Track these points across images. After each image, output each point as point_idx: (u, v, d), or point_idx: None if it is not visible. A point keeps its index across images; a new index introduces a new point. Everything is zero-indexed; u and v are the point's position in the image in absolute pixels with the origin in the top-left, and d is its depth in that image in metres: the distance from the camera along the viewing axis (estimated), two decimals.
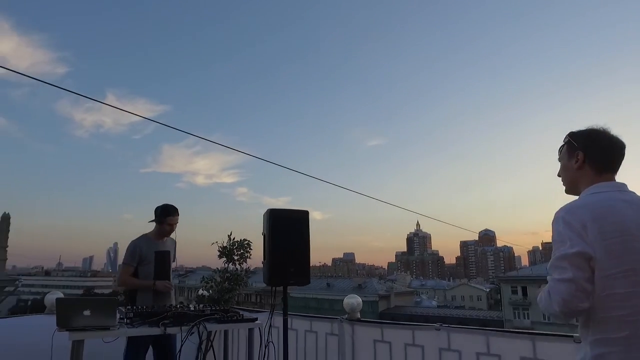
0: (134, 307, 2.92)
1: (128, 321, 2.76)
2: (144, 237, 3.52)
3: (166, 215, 3.45)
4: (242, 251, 4.64)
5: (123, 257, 3.41)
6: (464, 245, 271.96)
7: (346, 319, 3.54)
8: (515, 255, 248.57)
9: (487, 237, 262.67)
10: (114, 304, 2.58)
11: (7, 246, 26.43)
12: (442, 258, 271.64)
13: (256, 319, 3.17)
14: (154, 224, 3.53)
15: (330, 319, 3.69)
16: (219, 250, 4.67)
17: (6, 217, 26.61)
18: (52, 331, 3.47)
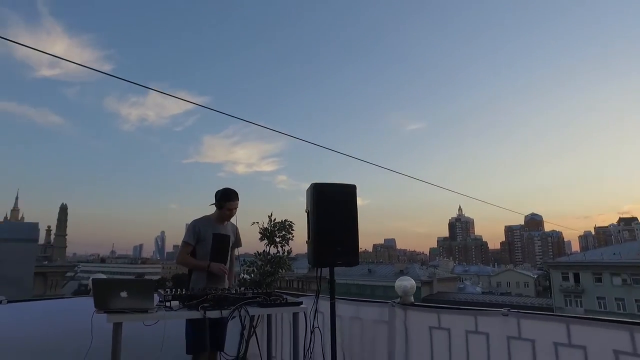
0: (173, 290, 2.76)
1: (167, 304, 2.61)
2: (204, 218, 3.40)
3: (225, 200, 3.30)
4: (284, 233, 4.43)
5: (184, 237, 3.30)
6: (509, 230, 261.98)
7: (398, 303, 3.23)
8: (565, 240, 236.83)
9: (533, 221, 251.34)
10: (150, 286, 2.42)
11: (67, 235, 28.14)
12: (486, 243, 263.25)
13: (301, 303, 2.93)
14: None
15: (380, 304, 3.39)
16: (260, 232, 4.47)
17: (64, 208, 28.28)
18: (91, 312, 3.49)
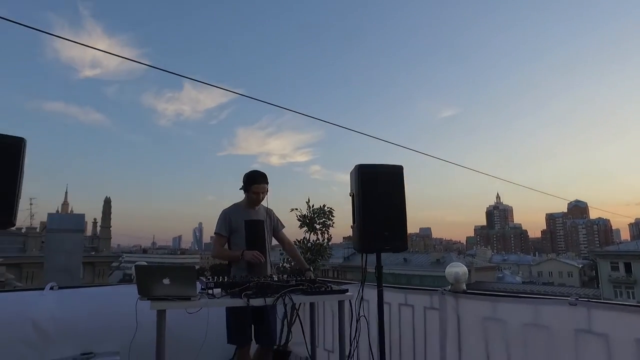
0: (215, 278, 2.68)
1: (210, 292, 2.54)
2: (234, 206, 3.27)
3: (251, 182, 3.14)
4: (323, 219, 4.29)
5: (215, 228, 3.18)
6: (551, 217, 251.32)
7: (449, 290, 3.02)
8: (613, 228, 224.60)
9: (577, 208, 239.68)
10: (192, 273, 2.34)
11: (111, 226, 29.30)
12: (526, 232, 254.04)
13: (347, 291, 2.79)
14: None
15: (430, 291, 3.19)
16: (299, 219, 4.36)
17: (108, 201, 29.43)
18: (135, 298, 3.50)
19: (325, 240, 4.42)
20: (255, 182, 3.14)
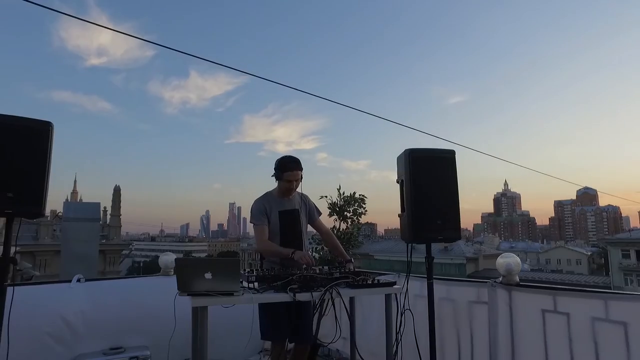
0: (256, 270, 2.50)
1: (251, 286, 2.36)
2: (267, 195, 3.02)
3: (283, 170, 2.87)
4: (354, 207, 4.09)
5: (250, 219, 2.94)
6: (559, 205, 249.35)
7: (500, 282, 2.82)
8: (623, 215, 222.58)
9: (587, 195, 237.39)
10: (236, 266, 2.16)
11: (121, 215, 29.39)
12: (534, 219, 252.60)
13: (394, 283, 2.60)
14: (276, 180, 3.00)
15: (477, 284, 2.99)
16: (329, 207, 4.17)
17: (117, 189, 29.49)
18: (167, 292, 3.33)
19: (356, 229, 4.23)
20: (287, 168, 2.88)
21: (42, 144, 2.24)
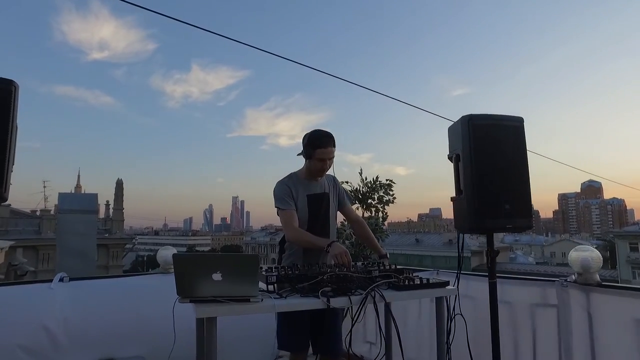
0: (278, 269, 1.98)
1: (272, 288, 1.85)
2: (291, 177, 2.49)
3: (315, 146, 2.33)
4: (380, 194, 3.57)
5: (275, 203, 2.42)
6: (563, 198, 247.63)
7: (574, 282, 2.30)
8: (628, 208, 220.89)
9: (591, 188, 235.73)
10: (254, 264, 1.63)
11: (123, 208, 29.04)
12: (537, 212, 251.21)
13: (447, 284, 2.08)
14: (302, 159, 2.48)
15: (542, 282, 2.47)
16: (352, 193, 3.65)
17: (120, 183, 29.08)
18: (166, 293, 2.82)
19: (380, 218, 3.70)
20: (320, 144, 2.33)
21: (2, 109, 1.72)
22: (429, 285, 2.03)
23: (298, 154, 2.50)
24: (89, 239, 6.45)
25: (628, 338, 2.06)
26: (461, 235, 2.24)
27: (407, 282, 2.00)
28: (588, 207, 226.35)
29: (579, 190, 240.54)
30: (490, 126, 2.00)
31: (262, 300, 1.67)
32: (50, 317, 2.43)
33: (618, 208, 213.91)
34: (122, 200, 28.36)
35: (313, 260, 2.32)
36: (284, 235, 2.49)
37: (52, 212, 23.75)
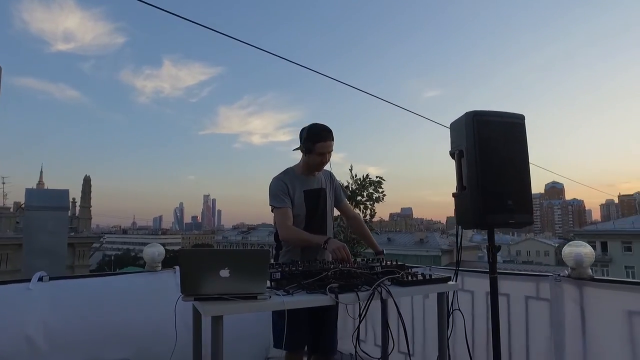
0: (281, 265, 1.92)
1: (275, 285, 1.79)
2: (287, 172, 2.44)
3: (315, 140, 2.29)
4: (369, 191, 3.57)
5: (270, 201, 2.36)
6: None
7: (567, 276, 2.35)
8: (586, 208, 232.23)
9: (554, 189, 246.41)
10: (265, 260, 1.57)
11: (91, 206, 27.94)
12: None
13: (449, 279, 2.09)
14: (299, 154, 2.43)
15: (535, 277, 2.52)
16: None
17: (87, 180, 27.95)
18: (153, 292, 2.70)
19: (369, 215, 3.70)
20: (320, 139, 2.29)
21: None
22: (431, 280, 2.03)
23: (294, 149, 2.45)
24: (60, 237, 6.13)
25: (619, 329, 2.12)
26: (461, 230, 2.26)
27: (410, 278, 1.99)
28: (551, 207, 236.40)
29: (543, 191, 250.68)
30: (493, 123, 2.01)
31: (270, 297, 1.62)
32: (29, 320, 2.27)
33: (578, 208, 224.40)
34: (90, 198, 27.29)
35: (311, 256, 2.30)
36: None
37: (11, 210, 22.61)
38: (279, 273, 1.82)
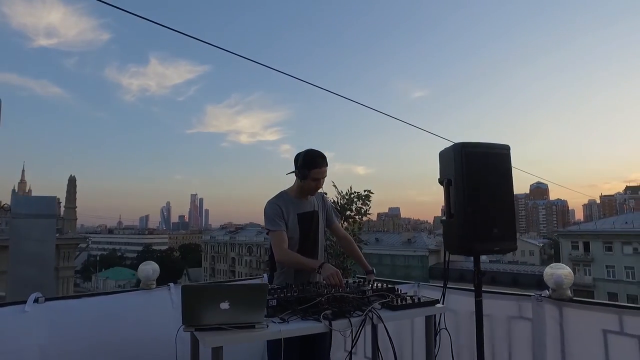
0: (276, 292, 1.99)
1: (271, 311, 1.86)
2: (282, 196, 2.53)
3: (311, 167, 2.40)
4: (358, 205, 3.67)
5: (266, 224, 2.45)
6: (515, 198, 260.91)
7: (548, 297, 2.47)
8: (570, 208, 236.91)
9: (539, 189, 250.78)
10: (264, 293, 1.65)
11: (76, 207, 27.52)
12: None
13: (437, 302, 2.18)
14: (293, 177, 2.51)
15: (518, 297, 2.63)
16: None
17: (72, 180, 27.50)
18: (150, 312, 2.73)
19: (357, 228, 3.79)
20: (315, 165, 2.40)
21: None
22: (420, 304, 2.12)
23: (288, 173, 2.53)
24: (47, 245, 6.08)
25: (595, 348, 2.25)
26: (448, 254, 2.35)
27: (400, 302, 2.08)
28: (536, 207, 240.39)
29: (528, 191, 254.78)
30: (480, 154, 2.12)
31: (267, 326, 1.69)
32: (25, 343, 2.28)
33: (562, 208, 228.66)
34: (75, 198, 26.92)
35: (304, 279, 2.38)
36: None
37: None
38: (275, 300, 1.90)
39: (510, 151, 2.21)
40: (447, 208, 2.17)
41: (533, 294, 2.55)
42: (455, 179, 2.10)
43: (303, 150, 2.47)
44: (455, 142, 2.16)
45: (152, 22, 3.74)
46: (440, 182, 2.23)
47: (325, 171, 2.44)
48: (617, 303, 2.29)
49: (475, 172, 2.09)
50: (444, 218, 2.21)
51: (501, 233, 2.11)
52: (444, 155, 2.21)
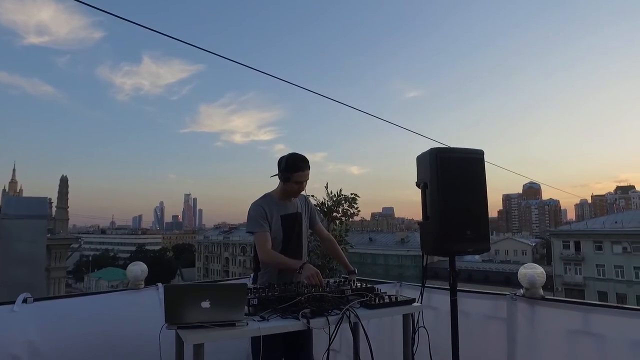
0: (257, 291, 2.07)
1: (253, 310, 1.94)
2: (266, 198, 2.62)
3: (293, 170, 2.49)
4: (345, 207, 3.75)
5: (248, 226, 2.53)
6: (507, 198, 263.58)
7: (522, 295, 2.57)
8: (562, 208, 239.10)
9: (531, 189, 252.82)
10: (243, 292, 1.73)
11: (68, 207, 27.35)
12: None
13: (414, 301, 2.27)
14: (277, 179, 2.60)
15: (495, 296, 2.74)
16: (317, 207, 3.78)
17: (64, 180, 27.33)
18: (139, 311, 2.79)
19: (343, 229, 3.88)
20: (298, 169, 2.49)
21: None
22: (397, 303, 2.21)
23: (272, 176, 2.62)
24: (39, 246, 6.11)
25: (561, 346, 2.35)
26: (426, 256, 2.45)
27: (377, 301, 2.17)
28: (529, 207, 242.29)
29: (521, 191, 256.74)
30: (455, 159, 2.22)
31: (247, 324, 1.76)
32: (14, 343, 2.33)
33: (554, 208, 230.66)
34: (67, 198, 26.75)
35: (287, 278, 2.47)
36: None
37: None
38: (256, 299, 1.98)
39: (484, 156, 2.31)
40: (424, 210, 2.26)
41: (508, 293, 2.65)
42: (431, 182, 2.19)
43: (286, 153, 2.56)
44: (443, 143, 2.26)
45: (143, 27, 3.80)
46: (418, 185, 2.32)
47: (308, 174, 2.53)
48: (582, 301, 2.39)
49: (450, 176, 2.18)
50: (422, 221, 2.30)
51: (474, 235, 2.20)
52: (420, 160, 2.30)
